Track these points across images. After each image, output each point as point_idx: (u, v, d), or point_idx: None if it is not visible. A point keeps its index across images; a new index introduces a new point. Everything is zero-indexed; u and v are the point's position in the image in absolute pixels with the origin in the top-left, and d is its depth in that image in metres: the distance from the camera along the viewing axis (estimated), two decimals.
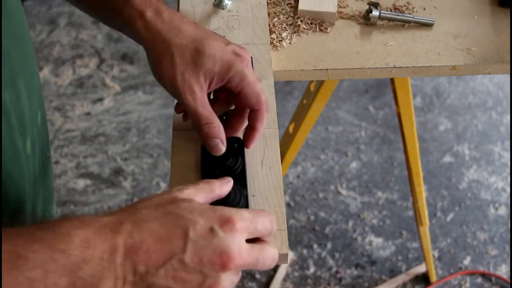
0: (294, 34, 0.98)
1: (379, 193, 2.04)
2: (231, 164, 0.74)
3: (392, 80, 1.34)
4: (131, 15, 0.76)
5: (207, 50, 0.73)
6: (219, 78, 0.73)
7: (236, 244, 0.58)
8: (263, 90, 0.75)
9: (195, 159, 0.78)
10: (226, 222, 0.58)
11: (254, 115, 0.75)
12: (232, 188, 0.69)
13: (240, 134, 0.79)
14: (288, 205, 2.00)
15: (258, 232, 0.61)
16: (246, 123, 0.78)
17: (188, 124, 0.81)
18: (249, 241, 0.61)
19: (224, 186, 0.67)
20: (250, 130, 0.76)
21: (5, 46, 0.62)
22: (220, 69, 0.73)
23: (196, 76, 0.72)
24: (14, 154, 0.65)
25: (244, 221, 0.59)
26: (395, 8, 1.03)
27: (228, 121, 0.79)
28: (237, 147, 0.76)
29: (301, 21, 0.99)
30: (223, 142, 0.74)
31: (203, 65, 0.72)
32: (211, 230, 0.57)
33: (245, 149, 0.77)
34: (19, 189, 0.68)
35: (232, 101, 0.78)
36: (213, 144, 0.74)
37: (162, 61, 0.73)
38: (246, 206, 0.71)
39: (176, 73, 0.72)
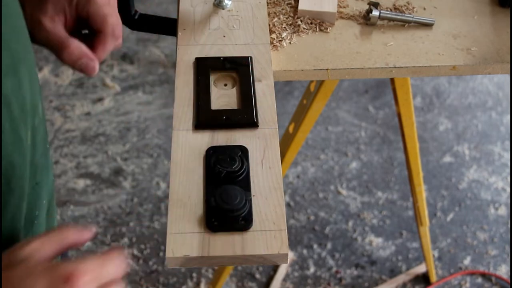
0: (294, 34, 0.98)
1: (379, 193, 2.04)
2: (236, 168, 0.75)
3: (392, 80, 1.34)
4: None
5: None
6: (70, 8, 0.72)
7: None
8: (112, 15, 0.73)
9: (195, 159, 0.78)
10: (69, 280, 0.55)
11: (98, 37, 0.73)
12: (238, 192, 0.71)
13: None
14: (288, 205, 2.00)
15: (109, 277, 0.59)
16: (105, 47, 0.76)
17: (188, 124, 0.81)
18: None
19: (85, 232, 0.62)
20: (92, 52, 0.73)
21: (5, 35, 0.61)
22: None
23: (43, 12, 0.72)
24: (16, 142, 0.65)
25: (89, 273, 0.56)
26: (395, 8, 1.03)
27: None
28: (241, 154, 0.77)
29: (301, 21, 0.99)
30: (91, 59, 0.72)
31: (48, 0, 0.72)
32: None
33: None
34: (21, 177, 0.68)
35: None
36: (81, 66, 0.72)
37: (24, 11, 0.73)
38: (250, 210, 0.72)
39: (27, 17, 0.71)
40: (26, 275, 0.54)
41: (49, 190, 0.81)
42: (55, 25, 0.72)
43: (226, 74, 0.87)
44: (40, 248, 0.57)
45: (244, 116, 0.81)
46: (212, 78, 0.86)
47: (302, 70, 0.93)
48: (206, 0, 0.98)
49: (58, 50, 0.72)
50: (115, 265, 0.59)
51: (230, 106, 0.83)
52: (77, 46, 0.71)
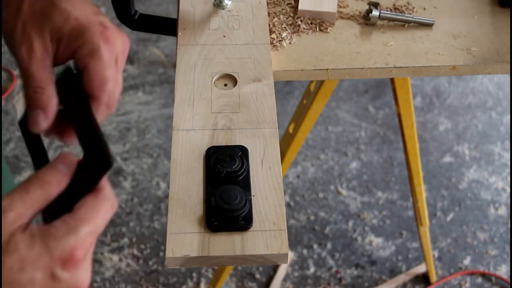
0: (294, 34, 0.98)
1: (379, 193, 2.04)
2: (236, 168, 0.75)
3: (392, 80, 1.34)
4: None
5: (62, 5, 0.59)
6: (67, 43, 0.59)
7: (85, 275, 0.50)
8: (113, 80, 0.59)
9: (195, 159, 0.78)
10: (69, 260, 0.48)
11: (93, 104, 0.59)
12: (238, 192, 0.71)
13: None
14: (288, 205, 2.00)
15: (104, 225, 0.52)
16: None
17: (188, 124, 0.81)
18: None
19: (62, 180, 0.52)
20: None
21: None
22: (70, 32, 0.59)
23: (40, 31, 0.58)
24: None
25: (87, 242, 0.50)
26: (395, 8, 1.03)
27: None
28: (241, 154, 0.77)
29: (301, 21, 0.99)
30: (46, 116, 0.58)
31: (51, 20, 0.58)
32: (53, 277, 0.48)
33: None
34: None
35: None
36: (34, 114, 0.58)
37: (8, 6, 0.59)
38: (250, 210, 0.72)
39: (17, 22, 0.58)
40: (19, 268, 0.47)
41: None
42: (44, 56, 0.58)
43: (226, 74, 0.88)
44: (25, 211, 0.49)
45: None
46: (212, 78, 0.86)
47: (302, 70, 0.93)
48: (206, 0, 0.98)
49: (27, 81, 0.58)
50: (108, 212, 0.52)
51: (231, 106, 0.83)
52: (48, 95, 0.58)
